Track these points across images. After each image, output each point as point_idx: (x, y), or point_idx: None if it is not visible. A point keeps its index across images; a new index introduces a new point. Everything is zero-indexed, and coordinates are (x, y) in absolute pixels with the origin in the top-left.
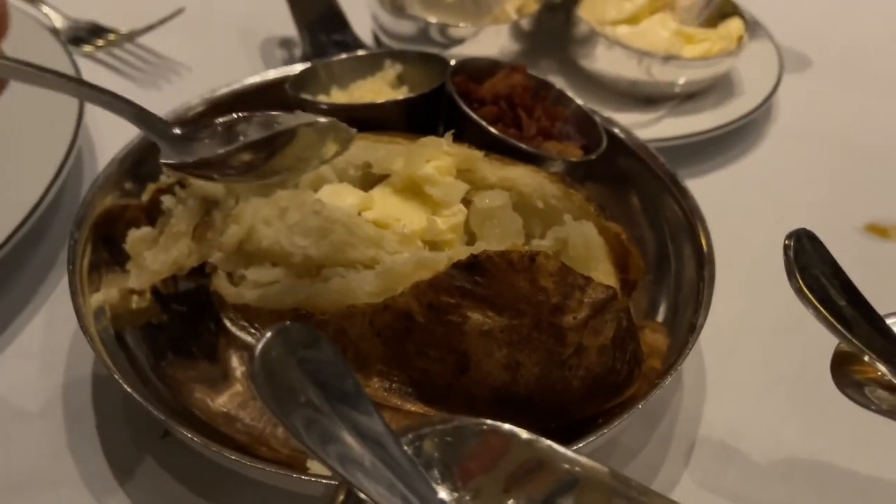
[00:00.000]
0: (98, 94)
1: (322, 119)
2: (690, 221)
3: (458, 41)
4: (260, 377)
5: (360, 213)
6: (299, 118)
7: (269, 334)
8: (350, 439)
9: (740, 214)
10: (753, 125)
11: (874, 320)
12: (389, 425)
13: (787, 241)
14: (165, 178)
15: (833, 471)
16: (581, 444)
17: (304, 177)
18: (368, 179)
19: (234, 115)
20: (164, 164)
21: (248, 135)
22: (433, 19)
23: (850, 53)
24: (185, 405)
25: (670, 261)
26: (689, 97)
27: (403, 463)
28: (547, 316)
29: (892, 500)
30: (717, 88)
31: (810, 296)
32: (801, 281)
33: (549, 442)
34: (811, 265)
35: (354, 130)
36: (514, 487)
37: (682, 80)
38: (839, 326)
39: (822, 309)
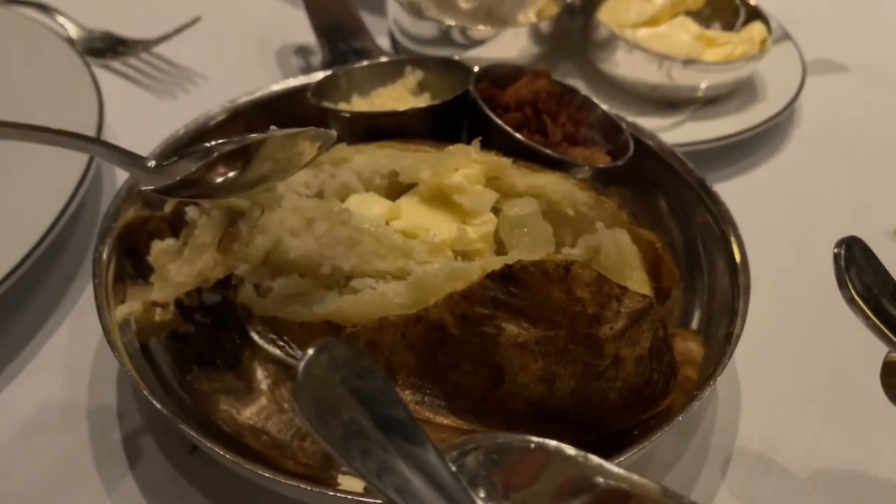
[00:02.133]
0: (61, 137)
1: (292, 130)
2: (722, 228)
3: (478, 44)
4: (303, 396)
5: (387, 223)
6: (271, 133)
7: (311, 351)
8: (397, 462)
9: (766, 220)
10: (777, 129)
11: None
12: (437, 446)
13: (836, 250)
14: None
15: (871, 481)
16: (622, 458)
17: (330, 186)
18: (395, 188)
19: (209, 144)
20: (145, 189)
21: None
22: (452, 23)
23: (873, 56)
24: (211, 418)
25: (702, 268)
26: (712, 101)
27: (454, 489)
28: (583, 327)
29: None
30: (739, 92)
31: (863, 305)
32: (852, 290)
33: (597, 459)
34: (862, 273)
35: (333, 132)
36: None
37: (703, 84)
38: (892, 336)
39: (874, 318)
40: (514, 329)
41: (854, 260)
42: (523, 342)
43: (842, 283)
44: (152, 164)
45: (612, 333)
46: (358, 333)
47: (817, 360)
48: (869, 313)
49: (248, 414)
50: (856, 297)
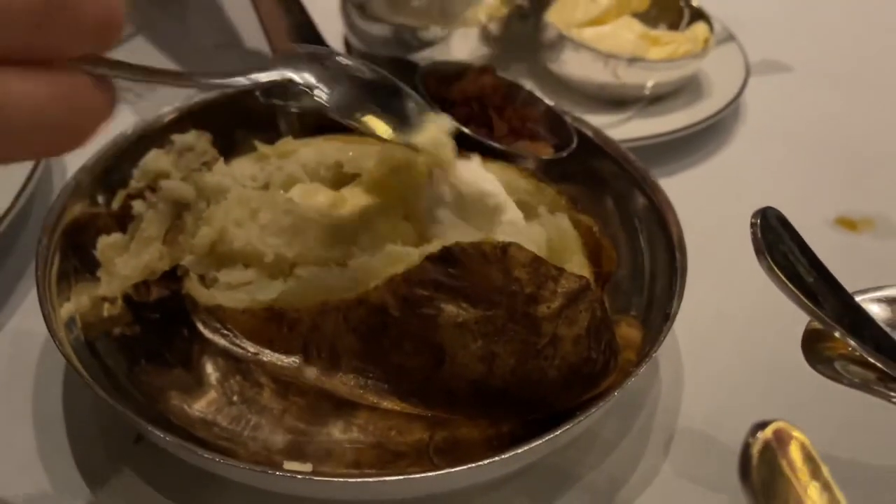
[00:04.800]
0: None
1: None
2: (661, 214)
3: (428, 44)
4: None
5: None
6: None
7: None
8: None
9: (712, 211)
10: (722, 126)
11: (843, 296)
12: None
13: (753, 220)
14: (135, 184)
15: None
16: (558, 433)
17: (276, 178)
18: (340, 179)
19: None
20: None
21: None
22: (404, 24)
23: (814, 55)
24: (161, 412)
25: (644, 256)
26: (658, 99)
27: None
28: (521, 306)
29: (872, 484)
30: (684, 91)
31: (779, 273)
32: (769, 258)
33: None
34: (779, 242)
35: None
36: None
37: (648, 82)
38: (809, 303)
39: (791, 286)
40: (454, 309)
41: (770, 229)
42: (463, 322)
43: (759, 252)
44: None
45: (549, 312)
46: (300, 318)
47: (759, 342)
48: (786, 281)
49: (199, 407)
50: (773, 265)
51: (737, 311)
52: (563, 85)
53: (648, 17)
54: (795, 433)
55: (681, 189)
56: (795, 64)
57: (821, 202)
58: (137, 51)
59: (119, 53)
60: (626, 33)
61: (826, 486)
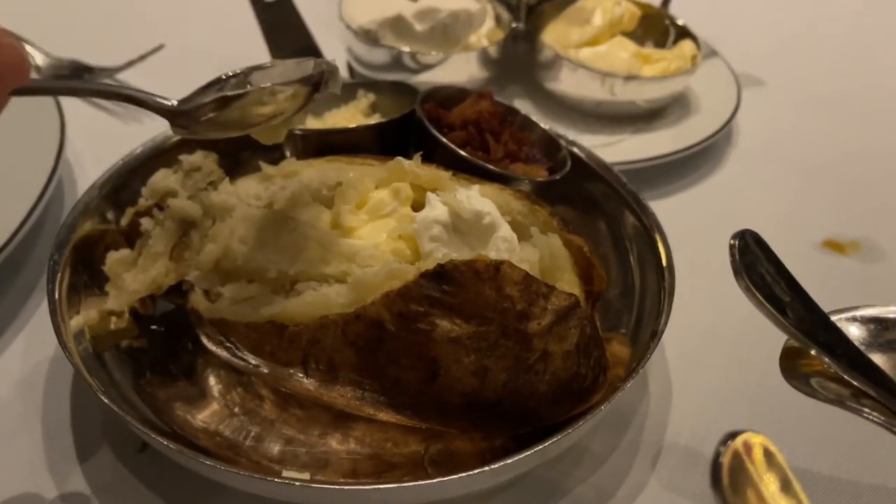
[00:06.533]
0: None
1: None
2: (651, 235)
3: (429, 68)
4: None
5: (332, 230)
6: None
7: None
8: None
9: (704, 233)
10: (714, 148)
11: (818, 315)
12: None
13: (732, 241)
14: (144, 202)
15: (795, 473)
16: (547, 444)
17: (279, 197)
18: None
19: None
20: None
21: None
22: (406, 48)
23: (804, 78)
24: (166, 422)
25: (635, 276)
26: (652, 121)
27: None
28: (513, 323)
29: (853, 498)
30: (678, 113)
31: (756, 292)
32: (747, 279)
33: None
34: (757, 263)
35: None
36: None
37: (643, 98)
38: (784, 321)
39: (767, 305)
40: (448, 325)
41: (748, 251)
42: (456, 337)
43: (737, 273)
44: (174, 102)
45: (540, 329)
46: (300, 332)
47: (745, 359)
48: (762, 300)
49: (203, 417)
50: (750, 285)
51: (724, 329)
52: (558, 104)
53: (635, 36)
54: (762, 441)
55: (672, 210)
56: (785, 87)
57: (809, 225)
58: (151, 70)
59: (135, 71)
60: (620, 52)
61: (789, 487)
